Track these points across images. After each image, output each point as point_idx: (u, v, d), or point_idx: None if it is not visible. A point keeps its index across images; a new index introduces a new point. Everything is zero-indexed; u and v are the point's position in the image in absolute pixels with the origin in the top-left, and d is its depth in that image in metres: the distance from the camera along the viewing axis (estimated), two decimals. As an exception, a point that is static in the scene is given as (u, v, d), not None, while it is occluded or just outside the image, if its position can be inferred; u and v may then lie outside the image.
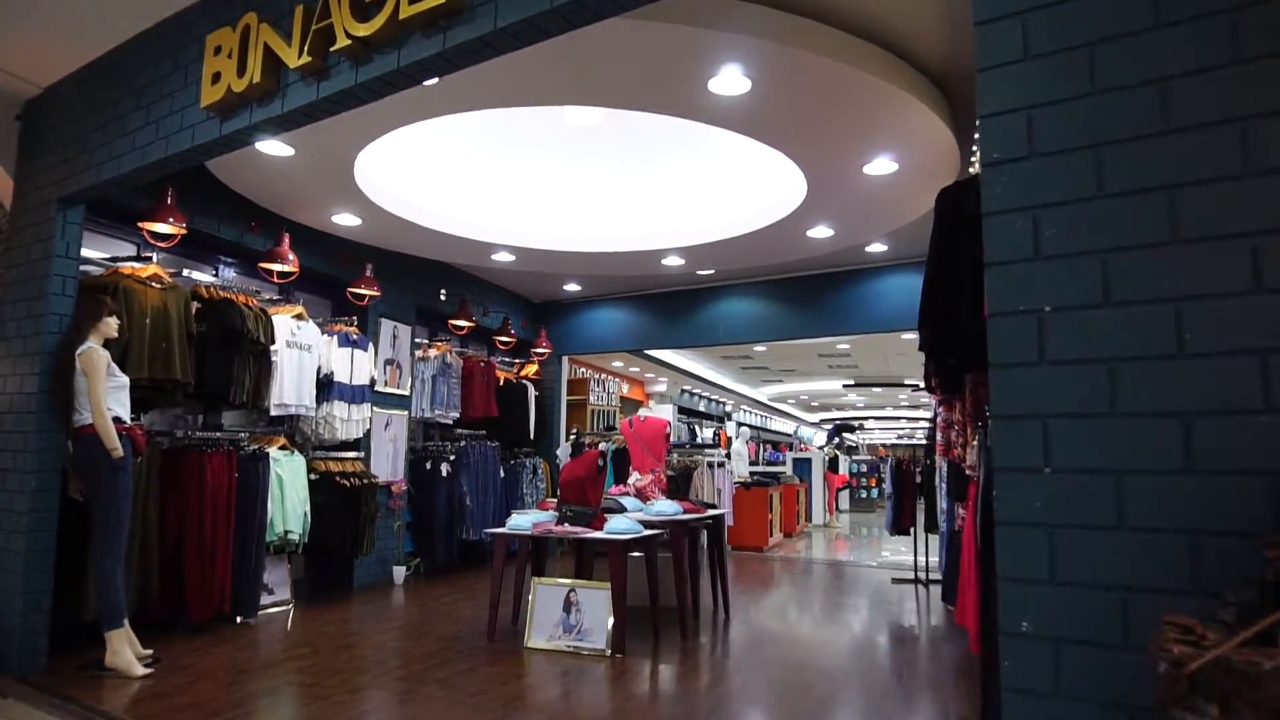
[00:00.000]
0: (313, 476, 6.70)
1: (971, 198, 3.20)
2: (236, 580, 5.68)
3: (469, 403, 8.82)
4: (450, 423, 8.68)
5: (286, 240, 6.26)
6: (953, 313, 3.18)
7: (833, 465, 18.53)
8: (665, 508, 5.66)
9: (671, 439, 10.76)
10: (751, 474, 14.34)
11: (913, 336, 13.27)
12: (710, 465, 11.18)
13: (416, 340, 8.53)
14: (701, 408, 22.50)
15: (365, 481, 7.00)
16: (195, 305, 5.61)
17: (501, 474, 9.36)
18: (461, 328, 8.79)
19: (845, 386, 21.15)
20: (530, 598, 5.32)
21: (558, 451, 10.41)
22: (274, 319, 6.26)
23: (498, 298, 9.85)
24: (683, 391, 20.68)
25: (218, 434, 5.89)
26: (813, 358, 16.54)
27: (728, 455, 14.16)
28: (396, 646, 5.20)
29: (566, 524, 5.38)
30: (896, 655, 5.17)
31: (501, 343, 9.68)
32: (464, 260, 7.89)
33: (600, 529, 5.29)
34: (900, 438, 45.79)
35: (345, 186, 5.73)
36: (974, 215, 3.25)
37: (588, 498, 5.47)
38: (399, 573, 7.66)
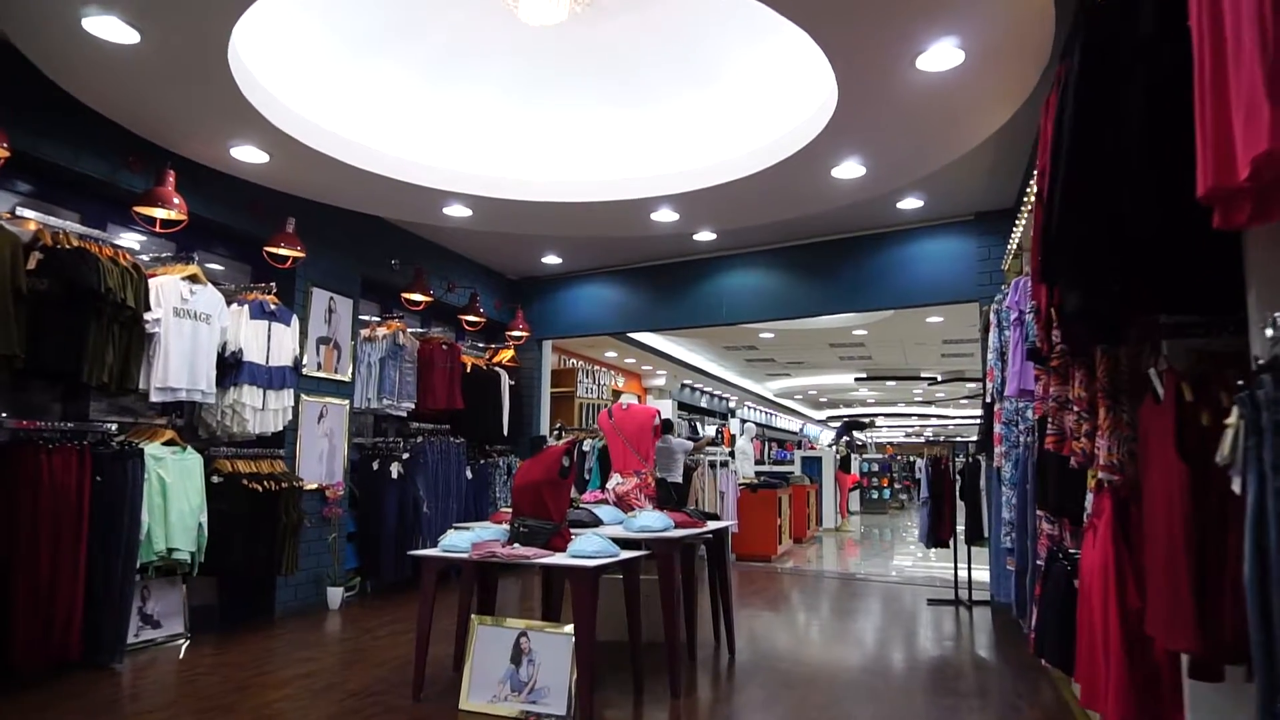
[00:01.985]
0: (215, 479, 5.38)
1: (1150, 7, 1.87)
2: (92, 615, 4.36)
3: (427, 392, 7.49)
4: (404, 415, 7.36)
5: (170, 179, 4.93)
6: (1115, 200, 1.85)
7: (844, 464, 17.16)
8: (650, 521, 4.33)
9: (685, 440, 9.44)
10: (758, 474, 12.99)
11: (938, 320, 11.99)
12: (712, 465, 9.86)
13: (363, 317, 7.21)
14: (704, 403, 21.17)
15: (284, 485, 5.67)
16: (36, 256, 4.29)
17: (469, 475, 8.04)
18: (416, 303, 7.45)
19: (857, 380, 19.81)
20: (470, 642, 3.99)
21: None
22: (156, 280, 4.95)
23: (466, 271, 8.52)
24: (683, 386, 19.35)
25: (69, 425, 4.57)
26: (823, 348, 15.19)
27: (731, 454, 12.85)
28: (287, 708, 3.88)
29: (517, 544, 4.05)
30: None
31: (469, 323, 8.34)
32: (409, 216, 6.55)
33: (563, 549, 3.96)
34: (909, 435, 44.44)
35: (228, 99, 4.39)
36: (1153, 35, 1.94)
37: (547, 508, 4.13)
38: (334, 595, 6.33)
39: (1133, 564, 2.47)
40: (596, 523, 4.58)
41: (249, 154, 5.11)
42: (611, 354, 14.51)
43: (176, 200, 4.91)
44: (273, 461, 5.84)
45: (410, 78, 5.04)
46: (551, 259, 8.55)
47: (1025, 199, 4.75)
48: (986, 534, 6.80)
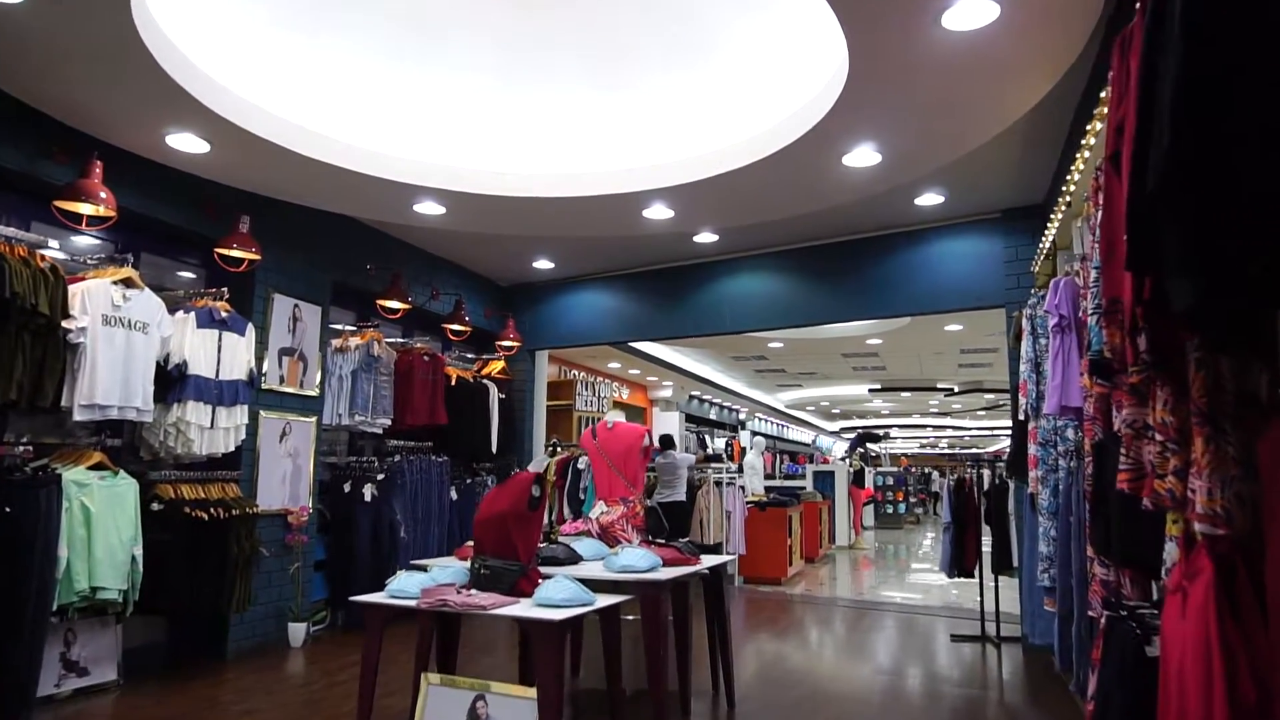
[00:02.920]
0: (155, 506, 4.83)
1: None
2: (-6, 667, 3.80)
3: (406, 406, 6.93)
4: (379, 432, 6.79)
5: (97, 170, 4.39)
6: (1232, 151, 1.26)
7: (858, 479, 16.47)
8: (634, 560, 3.74)
9: (688, 454, 8.84)
10: (767, 491, 12.36)
11: (957, 327, 11.35)
12: (719, 483, 9.25)
13: (336, 326, 6.67)
14: (713, 415, 20.56)
15: (234, 512, 5.10)
16: (-71, 256, 3.76)
17: (453, 495, 7.47)
18: (394, 311, 6.89)
19: (871, 391, 19.15)
20: (420, 703, 3.41)
21: (530, 467, 8.47)
22: (81, 285, 4.40)
23: (451, 277, 7.96)
24: (691, 397, 18.75)
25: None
26: (835, 358, 14.57)
27: (739, 469, 12.22)
28: (205, 784, 3.31)
29: (475, 589, 3.47)
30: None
31: (453, 333, 7.78)
32: (375, 214, 6.00)
33: (530, 593, 3.38)
34: (923, 446, 43.60)
35: (148, 76, 3.85)
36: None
37: (513, 545, 3.55)
38: (297, 631, 5.75)
39: (1245, 645, 1.87)
40: (574, 560, 3.99)
41: (186, 142, 4.58)
42: (614, 365, 13.94)
43: (104, 194, 4.37)
44: (224, 485, 5.29)
45: (368, 57, 4.49)
46: (543, 263, 8.00)
47: (1064, 188, 4.14)
48: (1016, 563, 6.17)
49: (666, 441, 8.89)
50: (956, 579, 6.57)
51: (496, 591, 3.43)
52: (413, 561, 4.18)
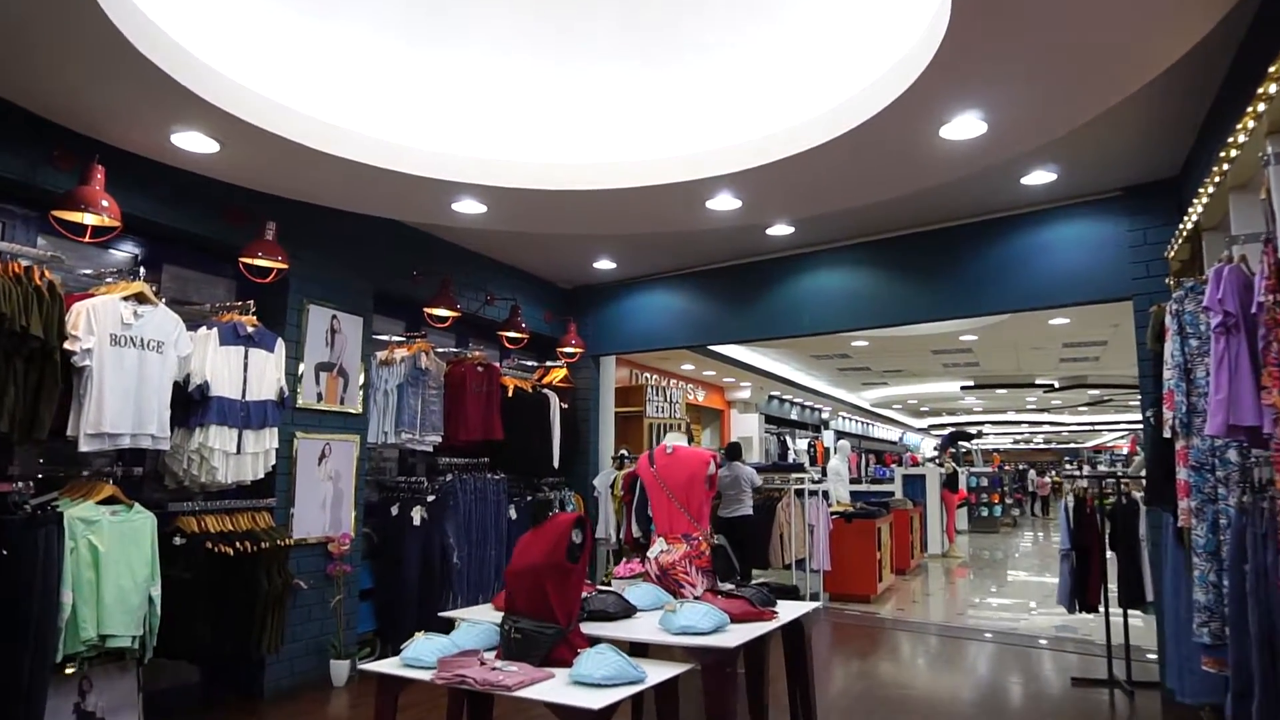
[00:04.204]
0: (177, 541, 4.43)
1: None
2: (-15, 729, 3.43)
3: (458, 421, 6.46)
4: (430, 449, 6.33)
5: (99, 176, 3.98)
6: None
7: (950, 482, 15.37)
8: (695, 619, 3.11)
9: (751, 468, 8.16)
10: (854, 499, 11.52)
11: (1063, 321, 10.27)
12: (800, 495, 8.53)
13: (381, 337, 6.23)
14: (794, 415, 19.71)
15: (264, 545, 4.68)
16: (-90, 276, 3.40)
17: (511, 515, 6.98)
18: (442, 319, 6.41)
19: (963, 389, 18.02)
20: (441, 793, 2.87)
21: (595, 481, 7.97)
22: (87, 303, 4.00)
23: (507, 280, 7.46)
24: (770, 398, 17.95)
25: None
26: (925, 355, 13.62)
27: (823, 472, 11.44)
28: None
29: (505, 656, 2.90)
30: None
31: (509, 340, 7.28)
32: (410, 215, 5.53)
33: (569, 662, 2.79)
34: (1017, 442, 41.49)
35: (132, 65, 3.41)
36: None
37: (549, 604, 2.97)
38: (339, 670, 5.31)
39: None
40: (628, 612, 3.40)
41: (193, 141, 4.14)
42: (688, 366, 13.31)
43: (105, 202, 3.96)
44: (255, 515, 4.87)
45: (388, 39, 3.98)
46: (605, 264, 7.43)
47: (1222, 153, 3.33)
48: (1150, 597, 5.30)
49: (733, 451, 8.24)
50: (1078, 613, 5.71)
51: (529, 660, 2.85)
52: (440, 614, 3.64)
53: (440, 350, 6.68)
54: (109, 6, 3.04)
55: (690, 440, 7.35)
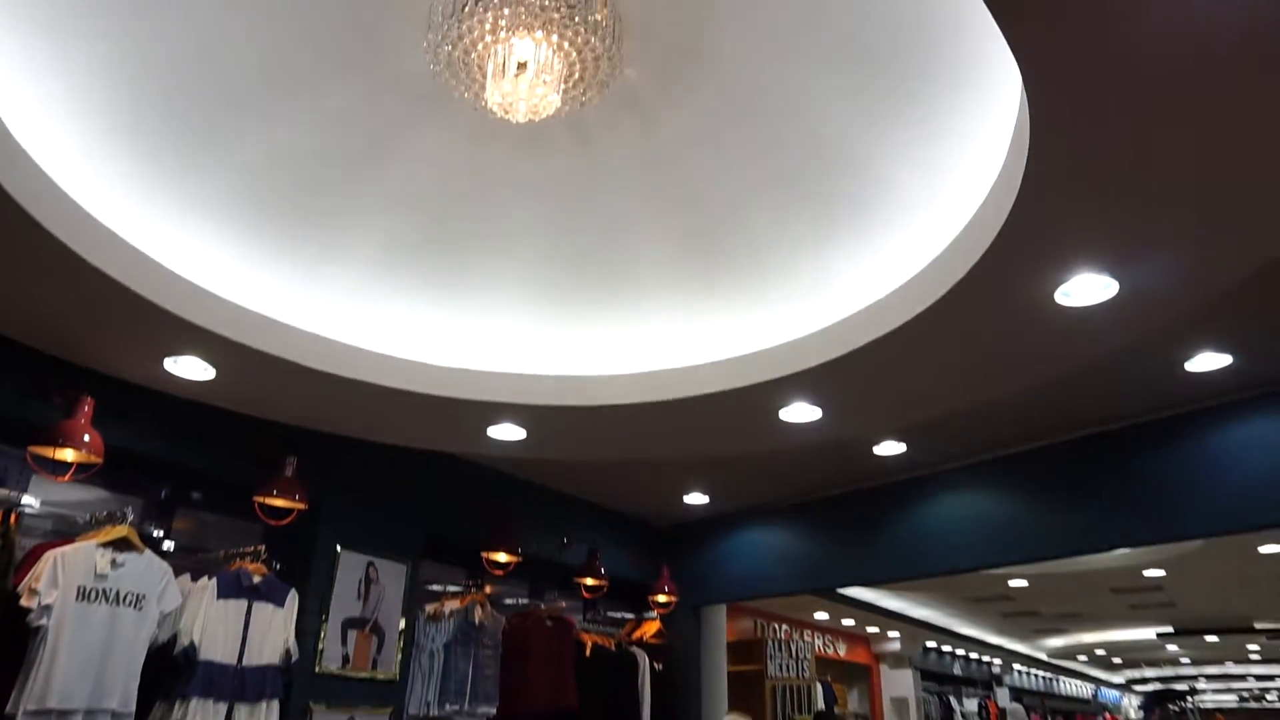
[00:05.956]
0: None
1: None
2: None
3: (520, 688, 5.46)
4: (483, 725, 5.32)
5: (86, 409, 3.62)
6: None
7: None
8: None
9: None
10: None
11: (1276, 548, 8.40)
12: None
13: (430, 586, 5.50)
14: (957, 670, 17.09)
15: None
16: None
17: (589, 808, 5.71)
18: (501, 566, 5.62)
19: (1160, 636, 15.22)
20: None
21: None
22: (56, 552, 3.51)
23: (588, 519, 6.69)
24: (927, 650, 15.67)
25: None
26: (1103, 595, 11.53)
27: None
28: None
29: None
30: None
31: (588, 589, 6.37)
32: (437, 444, 4.91)
33: None
34: (1243, 700, 34.91)
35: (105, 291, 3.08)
36: None
37: None
38: None
39: None
40: None
41: (191, 368, 3.77)
42: (821, 615, 11.74)
43: (88, 436, 3.57)
44: (241, 817, 3.97)
45: (393, 245, 3.59)
46: (696, 497, 6.57)
47: None
48: None
49: (829, 708, 6.74)
50: None
51: None
52: None
53: (509, 601, 5.85)
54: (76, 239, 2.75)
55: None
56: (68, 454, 3.61)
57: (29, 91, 2.66)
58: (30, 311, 3.36)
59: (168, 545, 4.25)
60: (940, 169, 2.98)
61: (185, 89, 2.80)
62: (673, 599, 6.85)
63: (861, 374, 3.74)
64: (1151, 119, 2.22)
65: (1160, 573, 9.51)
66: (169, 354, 3.63)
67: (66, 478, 3.70)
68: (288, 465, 4.41)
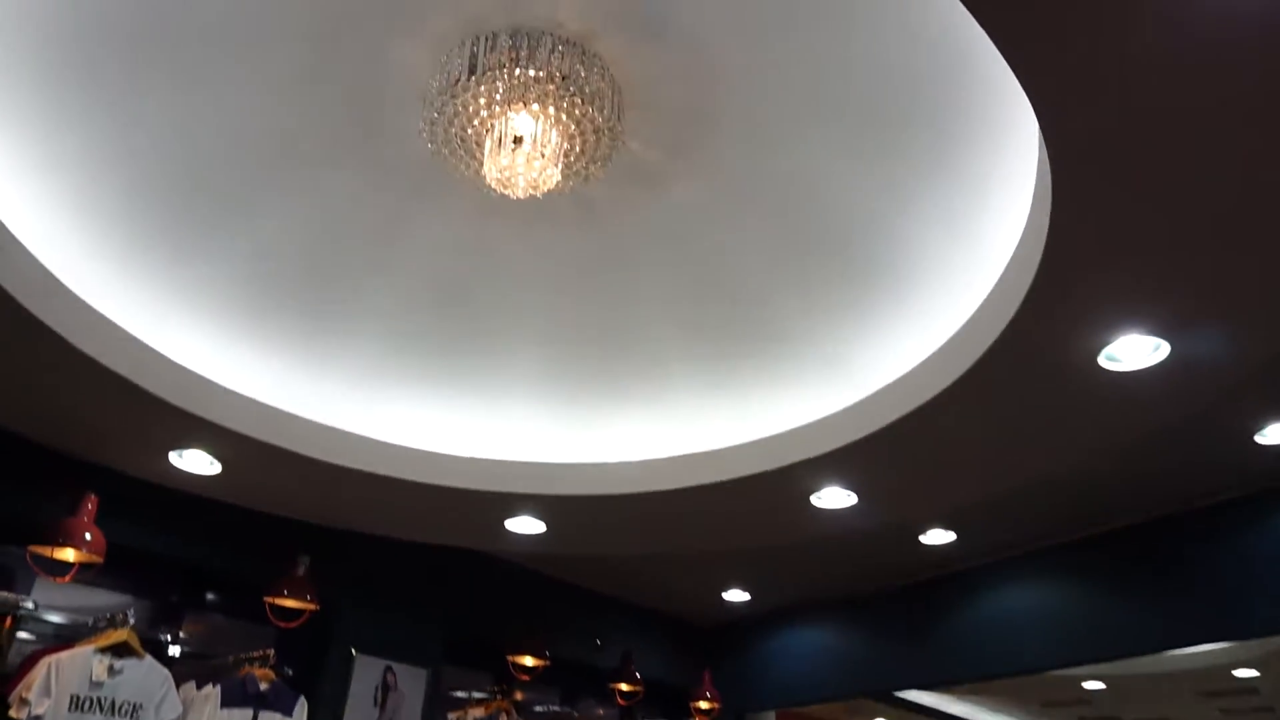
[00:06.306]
0: None
1: None
2: None
3: (548, 806, 5.09)
4: None
5: (90, 506, 3.53)
6: None
7: None
8: None
9: None
10: None
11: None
12: None
13: (454, 693, 5.21)
14: (1038, 783, 15.82)
15: None
16: None
17: None
18: (529, 670, 5.32)
19: (1260, 744, 13.93)
20: None
21: None
22: (52, 659, 3.37)
23: (622, 619, 6.36)
24: (1002, 761, 14.57)
25: None
26: (1190, 698, 10.59)
27: None
28: None
29: None
30: None
31: (622, 695, 5.99)
32: (451, 539, 4.71)
33: None
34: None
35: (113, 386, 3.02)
36: None
37: None
38: None
39: None
40: None
41: (197, 463, 3.67)
42: (881, 722, 10.99)
43: (89, 535, 3.46)
44: None
45: (397, 332, 3.51)
46: (736, 594, 6.22)
47: None
48: None
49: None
50: None
51: None
52: None
53: (538, 709, 5.52)
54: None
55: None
56: (68, 553, 3.50)
57: (24, 187, 2.66)
58: (30, 406, 3.32)
59: (174, 650, 4.08)
60: (970, 227, 2.81)
61: (184, 179, 2.79)
62: (715, 705, 6.40)
63: (895, 452, 3.48)
64: (1173, 164, 2.04)
65: (1253, 673, 8.72)
66: (173, 447, 3.55)
67: (67, 578, 3.58)
68: (300, 564, 4.25)
